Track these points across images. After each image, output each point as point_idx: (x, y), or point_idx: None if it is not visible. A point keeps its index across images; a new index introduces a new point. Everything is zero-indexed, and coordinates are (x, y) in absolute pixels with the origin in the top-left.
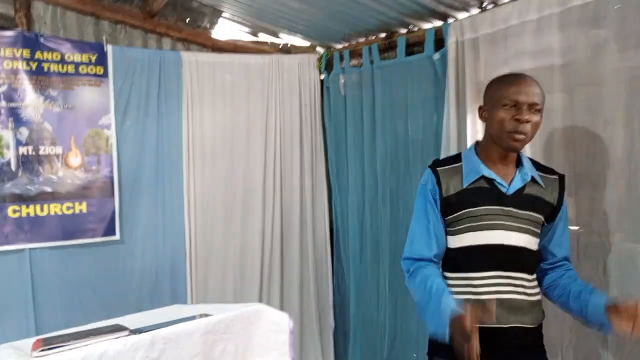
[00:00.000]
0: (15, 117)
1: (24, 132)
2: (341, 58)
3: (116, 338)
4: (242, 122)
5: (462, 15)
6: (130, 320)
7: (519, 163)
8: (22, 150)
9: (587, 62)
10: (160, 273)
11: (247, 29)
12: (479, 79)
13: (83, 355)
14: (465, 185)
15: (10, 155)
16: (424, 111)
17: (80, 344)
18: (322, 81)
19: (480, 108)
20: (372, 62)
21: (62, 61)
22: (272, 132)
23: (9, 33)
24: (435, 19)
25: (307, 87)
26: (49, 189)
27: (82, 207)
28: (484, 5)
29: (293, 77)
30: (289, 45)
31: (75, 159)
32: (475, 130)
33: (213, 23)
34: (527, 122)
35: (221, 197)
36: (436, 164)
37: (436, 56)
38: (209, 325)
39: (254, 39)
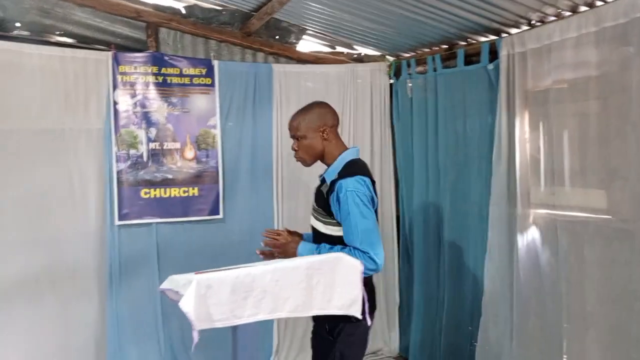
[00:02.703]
0: (147, 119)
1: (153, 131)
2: (408, 65)
3: (257, 266)
4: None
5: (513, 30)
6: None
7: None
8: (152, 145)
9: (618, 74)
10: (254, 246)
11: (326, 43)
12: (527, 87)
13: (236, 274)
14: None
15: (143, 149)
16: (479, 114)
17: (231, 268)
18: (391, 86)
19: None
20: (435, 69)
21: (181, 74)
22: (347, 130)
23: (144, 54)
24: (490, 34)
25: (378, 91)
26: (170, 176)
27: (194, 191)
28: (532, 22)
29: (365, 83)
30: (362, 55)
31: (189, 152)
32: (523, 131)
33: (298, 39)
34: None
35: (303, 185)
36: (368, 174)
37: (490, 66)
38: (308, 264)
39: (332, 50)
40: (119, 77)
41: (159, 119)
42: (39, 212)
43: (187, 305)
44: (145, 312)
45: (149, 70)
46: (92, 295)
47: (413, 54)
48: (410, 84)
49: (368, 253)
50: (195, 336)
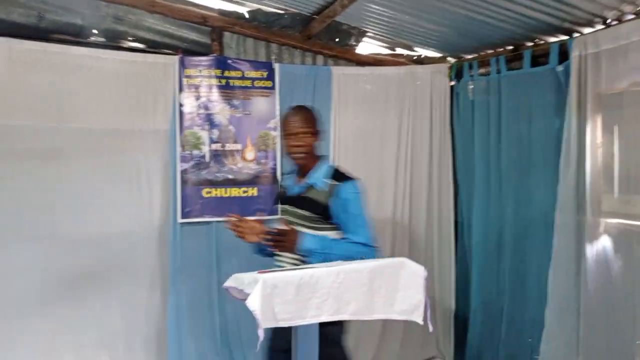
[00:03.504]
0: (210, 121)
1: (215, 132)
2: (470, 67)
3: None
4: (379, 124)
5: (586, 30)
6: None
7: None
8: (214, 146)
9: None
10: None
11: (386, 45)
12: (600, 89)
13: (301, 275)
14: None
15: (205, 150)
16: (545, 117)
17: (295, 269)
18: (451, 88)
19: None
20: (499, 71)
21: (243, 77)
22: (405, 133)
23: (208, 58)
24: (560, 33)
25: (438, 93)
26: (230, 176)
27: (253, 191)
28: (607, 21)
29: (425, 85)
30: (422, 57)
31: (250, 154)
32: (595, 135)
33: (358, 41)
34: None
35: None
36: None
37: (559, 68)
38: (371, 268)
39: (391, 52)
40: (184, 80)
41: (221, 120)
42: (108, 208)
43: (254, 303)
44: (203, 307)
45: (213, 74)
46: (154, 288)
47: (475, 55)
48: (472, 86)
49: (372, 246)
50: (261, 334)
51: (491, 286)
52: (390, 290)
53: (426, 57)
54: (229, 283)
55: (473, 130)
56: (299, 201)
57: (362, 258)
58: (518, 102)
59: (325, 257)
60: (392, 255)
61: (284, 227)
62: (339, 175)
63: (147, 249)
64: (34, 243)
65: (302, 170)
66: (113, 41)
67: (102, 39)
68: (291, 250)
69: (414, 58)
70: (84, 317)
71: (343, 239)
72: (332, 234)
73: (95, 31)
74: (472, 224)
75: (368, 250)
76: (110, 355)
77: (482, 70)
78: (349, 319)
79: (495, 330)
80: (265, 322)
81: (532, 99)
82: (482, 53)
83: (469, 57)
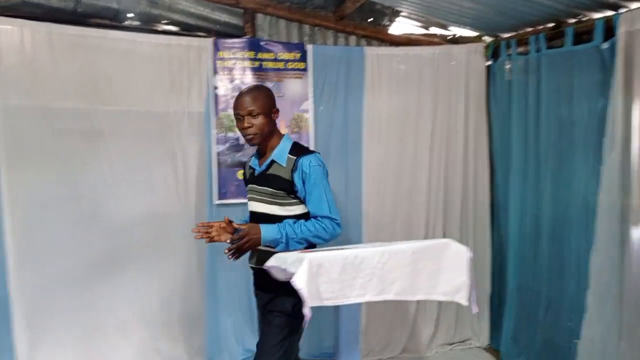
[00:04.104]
0: None
1: None
2: (508, 46)
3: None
4: (413, 105)
5: (634, 5)
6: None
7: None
8: None
9: None
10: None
11: (420, 24)
12: None
13: (346, 255)
14: None
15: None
16: (589, 98)
17: (337, 248)
18: (487, 68)
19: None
20: (538, 50)
21: (276, 59)
22: (440, 114)
23: (241, 40)
24: (605, 9)
25: (474, 74)
26: None
27: None
28: None
29: (460, 65)
30: (457, 36)
31: None
32: None
33: (392, 21)
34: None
35: (392, 169)
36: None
37: (604, 45)
38: (415, 248)
39: (425, 32)
40: (218, 63)
41: None
42: (145, 188)
43: (300, 281)
44: (240, 285)
45: (246, 56)
46: (192, 268)
47: (514, 33)
48: (510, 66)
49: (337, 220)
50: (307, 312)
51: (528, 269)
52: (434, 271)
53: (461, 37)
54: (270, 262)
55: (510, 112)
56: (263, 179)
57: (325, 231)
58: (559, 82)
59: (290, 242)
60: (426, 238)
61: (243, 227)
62: (299, 150)
63: (185, 229)
64: (76, 222)
65: (262, 150)
66: (148, 24)
67: (137, 23)
68: (257, 245)
69: (449, 37)
70: (124, 295)
71: (305, 215)
72: (298, 209)
73: (130, 15)
74: (508, 207)
75: (330, 223)
76: (149, 332)
77: (520, 49)
78: (392, 299)
79: (532, 313)
80: (311, 300)
81: (574, 78)
82: (521, 31)
83: (507, 35)
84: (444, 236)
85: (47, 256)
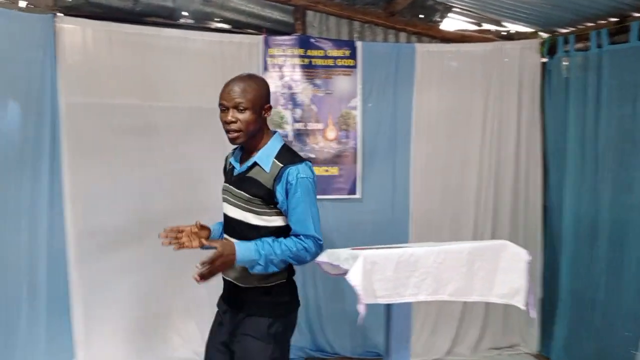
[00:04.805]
0: (293, 100)
1: (298, 112)
2: (565, 42)
3: (420, 247)
4: (463, 103)
5: None
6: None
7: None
8: (296, 125)
9: None
10: (389, 226)
11: (472, 20)
12: None
13: (401, 253)
14: None
15: (289, 129)
16: None
17: (392, 247)
18: (543, 65)
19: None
20: (599, 46)
21: (325, 56)
22: (491, 111)
23: (291, 37)
24: None
25: (528, 71)
26: (312, 156)
27: (334, 170)
28: None
29: (514, 62)
30: (511, 32)
31: (331, 133)
32: None
33: (443, 17)
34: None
35: (441, 167)
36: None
37: None
38: (471, 249)
39: (478, 28)
40: (268, 60)
41: (303, 100)
42: (191, 181)
43: (355, 278)
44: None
45: (296, 53)
46: None
47: (572, 29)
48: (567, 63)
49: (320, 240)
50: (362, 309)
51: (583, 274)
52: (490, 272)
53: (516, 33)
54: (321, 258)
55: (567, 110)
56: (240, 181)
57: (307, 252)
58: (622, 80)
59: (268, 265)
60: (475, 238)
61: (215, 244)
62: (284, 156)
63: None
64: (129, 215)
65: (247, 149)
66: (201, 22)
67: (191, 21)
68: (231, 266)
69: (502, 34)
70: (173, 287)
71: (285, 229)
72: (277, 220)
73: (185, 13)
74: (562, 209)
75: (313, 244)
76: (197, 323)
77: (579, 45)
78: (447, 299)
79: (586, 321)
80: (366, 297)
81: (638, 76)
82: (580, 26)
83: (564, 31)
84: (493, 237)
85: (103, 248)
